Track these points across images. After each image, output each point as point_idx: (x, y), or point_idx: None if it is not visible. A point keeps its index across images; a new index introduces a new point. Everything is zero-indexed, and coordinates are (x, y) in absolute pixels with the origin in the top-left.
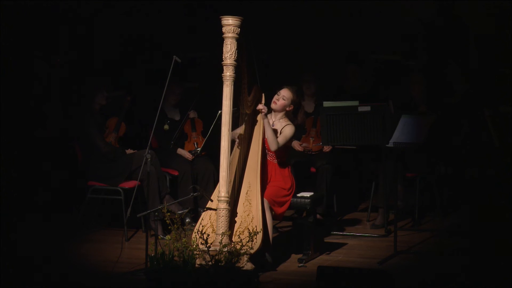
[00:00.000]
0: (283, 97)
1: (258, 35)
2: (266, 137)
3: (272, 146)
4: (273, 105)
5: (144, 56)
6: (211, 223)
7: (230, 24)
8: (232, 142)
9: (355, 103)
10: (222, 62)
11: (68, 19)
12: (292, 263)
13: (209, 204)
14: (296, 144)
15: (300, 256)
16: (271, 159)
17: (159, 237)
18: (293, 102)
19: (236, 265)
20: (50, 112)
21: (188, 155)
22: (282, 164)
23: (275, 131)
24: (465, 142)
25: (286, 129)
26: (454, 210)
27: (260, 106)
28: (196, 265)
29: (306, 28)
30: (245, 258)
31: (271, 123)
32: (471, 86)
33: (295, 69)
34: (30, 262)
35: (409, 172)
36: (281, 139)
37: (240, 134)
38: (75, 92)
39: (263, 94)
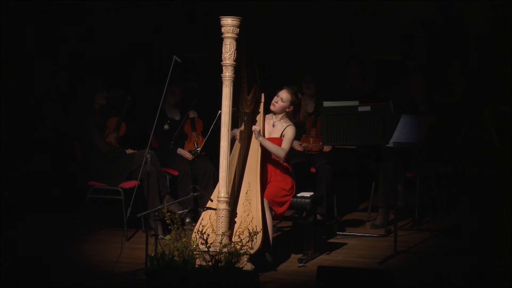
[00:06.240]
0: (281, 99)
1: (258, 35)
2: (270, 151)
3: (281, 156)
4: (272, 107)
5: (144, 56)
6: (211, 223)
7: (229, 24)
8: (232, 141)
9: (355, 103)
10: (222, 63)
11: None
12: (292, 263)
13: (209, 204)
14: (296, 144)
15: (300, 256)
16: (271, 159)
17: (159, 237)
18: (292, 103)
19: (236, 265)
20: (50, 112)
21: (188, 155)
22: (282, 164)
23: (276, 131)
24: (465, 142)
25: (288, 131)
26: (454, 210)
27: (252, 128)
28: (196, 265)
29: (306, 28)
30: (245, 258)
31: (271, 123)
32: (471, 86)
33: (295, 69)
34: (30, 262)
35: (409, 172)
36: (286, 144)
37: (241, 131)
38: (75, 92)
39: (262, 94)
